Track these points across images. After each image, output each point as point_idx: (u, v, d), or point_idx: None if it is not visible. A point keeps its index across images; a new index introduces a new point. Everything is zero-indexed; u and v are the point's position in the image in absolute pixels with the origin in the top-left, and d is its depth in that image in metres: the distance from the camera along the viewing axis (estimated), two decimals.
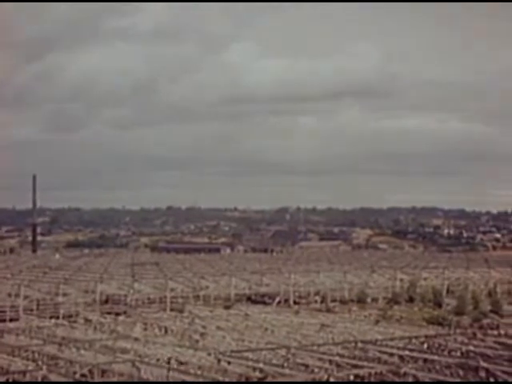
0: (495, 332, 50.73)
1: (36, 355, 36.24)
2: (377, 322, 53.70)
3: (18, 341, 41.08)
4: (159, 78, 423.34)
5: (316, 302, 76.74)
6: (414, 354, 35.75)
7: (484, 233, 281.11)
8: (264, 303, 73.89)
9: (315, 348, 37.30)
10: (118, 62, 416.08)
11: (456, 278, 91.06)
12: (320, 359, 34.60)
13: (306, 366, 33.64)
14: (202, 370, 32.37)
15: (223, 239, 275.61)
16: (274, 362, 34.37)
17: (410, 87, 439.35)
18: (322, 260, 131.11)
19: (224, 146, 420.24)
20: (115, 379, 31.68)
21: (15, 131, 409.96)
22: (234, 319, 51.77)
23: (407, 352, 36.26)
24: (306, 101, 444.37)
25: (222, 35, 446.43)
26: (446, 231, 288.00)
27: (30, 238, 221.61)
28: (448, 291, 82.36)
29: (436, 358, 34.65)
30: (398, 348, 37.34)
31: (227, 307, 65.16)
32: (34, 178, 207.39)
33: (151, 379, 31.21)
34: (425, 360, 34.54)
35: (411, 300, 76.59)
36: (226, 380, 31.40)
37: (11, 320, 56.72)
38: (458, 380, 31.27)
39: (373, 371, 31.79)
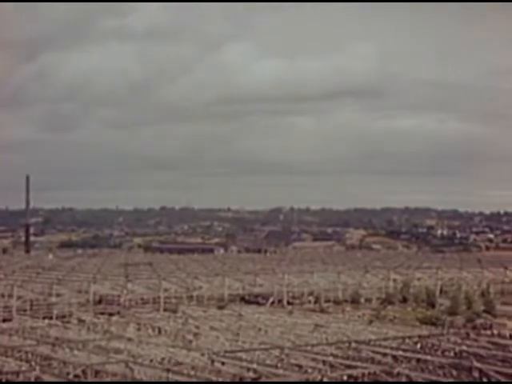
0: (488, 332, 50.89)
1: (29, 356, 36.17)
2: (370, 322, 53.74)
3: (11, 341, 40.97)
4: (155, 78, 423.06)
5: (310, 302, 76.80)
6: (408, 354, 35.80)
7: (477, 233, 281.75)
8: (258, 303, 73.90)
9: (309, 348, 37.32)
10: (113, 62, 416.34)
11: (449, 279, 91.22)
12: (314, 359, 34.62)
13: (300, 366, 33.65)
14: (195, 371, 32.34)
15: (217, 239, 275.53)
16: (268, 362, 34.37)
17: (406, 87, 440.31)
18: (315, 260, 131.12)
19: (219, 146, 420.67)
20: (109, 380, 31.64)
21: (9, 131, 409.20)
22: (227, 319, 51.74)
23: (401, 352, 36.31)
24: (302, 101, 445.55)
25: (219, 35, 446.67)
26: (439, 232, 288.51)
27: (23, 239, 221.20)
28: (441, 291, 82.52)
29: (429, 358, 34.70)
30: (392, 348, 37.38)
31: (221, 307, 65.13)
32: (28, 178, 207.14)
33: (145, 379, 31.18)
34: (418, 360, 34.58)
35: (405, 300, 76.72)
36: (220, 380, 31.39)
37: (4, 320, 56.62)
38: (452, 380, 31.32)
39: (366, 371, 31.83)
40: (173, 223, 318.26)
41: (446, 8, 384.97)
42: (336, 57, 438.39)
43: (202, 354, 35.07)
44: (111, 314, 60.54)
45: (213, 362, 33.63)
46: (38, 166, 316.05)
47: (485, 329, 55.85)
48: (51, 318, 58.60)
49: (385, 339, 40.77)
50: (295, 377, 31.10)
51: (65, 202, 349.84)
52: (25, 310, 63.48)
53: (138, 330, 46.86)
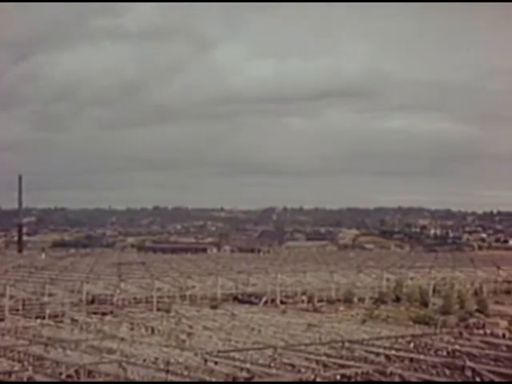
0: (481, 331, 50.99)
1: (22, 355, 36.05)
2: (363, 321, 53.81)
3: (3, 341, 40.86)
4: (148, 78, 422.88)
5: (303, 301, 76.84)
6: (401, 354, 35.83)
7: (470, 233, 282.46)
8: (251, 303, 73.91)
9: (302, 348, 37.31)
10: (106, 62, 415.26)
11: (442, 278, 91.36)
12: (307, 359, 34.61)
13: (293, 365, 33.64)
14: (188, 370, 32.30)
15: (210, 239, 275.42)
16: (261, 361, 34.35)
17: (397, 87, 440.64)
18: (308, 260, 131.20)
19: (211, 146, 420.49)
20: (101, 380, 31.57)
21: (2, 131, 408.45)
22: (220, 319, 51.72)
23: (394, 351, 36.33)
24: (294, 101, 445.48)
25: (211, 35, 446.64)
26: (432, 231, 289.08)
27: (16, 238, 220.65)
28: (434, 291, 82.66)
29: (422, 357, 34.72)
30: (385, 347, 37.40)
31: (214, 307, 65.11)
32: (20, 177, 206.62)
33: (138, 379, 31.12)
34: (411, 359, 34.60)
35: (398, 300, 76.82)
36: (213, 380, 31.35)
37: None
38: (445, 379, 31.33)
39: (359, 371, 31.83)
40: (166, 223, 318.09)
41: (437, 8, 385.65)
42: (327, 57, 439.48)
43: (195, 354, 35.03)
44: (104, 314, 60.44)
45: (206, 361, 33.59)
46: (31, 166, 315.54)
47: (478, 328, 55.96)
48: (44, 317, 58.47)
49: (378, 339, 40.80)
50: (288, 376, 31.08)
51: (57, 201, 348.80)
52: (17, 310, 63.35)
53: (131, 329, 46.81)
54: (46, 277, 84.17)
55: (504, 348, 37.97)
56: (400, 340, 40.24)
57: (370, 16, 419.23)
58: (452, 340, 40.08)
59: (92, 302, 70.58)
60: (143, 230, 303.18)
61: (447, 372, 32.34)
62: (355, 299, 78.41)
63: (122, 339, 41.00)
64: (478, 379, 31.36)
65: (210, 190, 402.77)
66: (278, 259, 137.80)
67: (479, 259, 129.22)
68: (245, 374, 31.97)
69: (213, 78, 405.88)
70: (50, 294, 69.46)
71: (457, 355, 35.70)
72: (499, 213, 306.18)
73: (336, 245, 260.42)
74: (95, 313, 61.13)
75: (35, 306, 64.72)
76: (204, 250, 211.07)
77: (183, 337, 42.62)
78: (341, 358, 35.06)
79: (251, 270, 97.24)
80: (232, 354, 35.08)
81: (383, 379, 31.10)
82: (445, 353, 37.01)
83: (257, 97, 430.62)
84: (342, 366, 32.72)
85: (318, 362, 34.03)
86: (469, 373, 31.73)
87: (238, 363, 33.35)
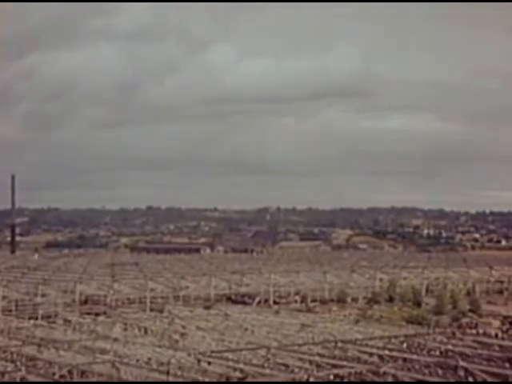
0: (474, 331, 51.14)
1: (15, 356, 36.00)
2: (357, 321, 53.86)
3: None
4: (142, 78, 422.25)
5: (296, 301, 76.92)
6: (394, 354, 35.89)
7: (463, 233, 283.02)
8: (244, 303, 73.95)
9: (295, 348, 37.34)
10: (100, 62, 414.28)
11: (435, 278, 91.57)
12: (300, 359, 34.64)
13: (286, 366, 33.67)
14: (182, 371, 32.30)
15: (203, 239, 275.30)
16: (254, 362, 34.36)
17: (392, 88, 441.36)
18: (302, 260, 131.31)
19: (205, 146, 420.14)
20: (95, 380, 31.55)
21: None
22: (213, 319, 51.70)
23: (387, 351, 36.39)
24: (288, 101, 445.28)
25: (205, 35, 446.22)
26: (425, 231, 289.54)
27: (9, 239, 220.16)
28: (427, 291, 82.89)
29: (415, 357, 34.79)
30: (378, 347, 37.46)
31: (207, 307, 65.11)
32: (13, 177, 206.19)
33: (131, 380, 31.11)
34: (404, 359, 34.66)
35: (391, 300, 76.96)
36: (206, 380, 31.36)
37: None
38: (437, 379, 31.40)
39: (353, 371, 31.89)
40: (159, 223, 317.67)
41: (432, 8, 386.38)
42: (322, 57, 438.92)
43: (189, 354, 35.02)
44: (97, 314, 60.40)
45: (199, 361, 33.59)
46: (24, 166, 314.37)
47: (470, 328, 56.12)
48: (37, 318, 58.39)
49: (371, 339, 40.85)
50: (282, 376, 31.10)
51: (51, 201, 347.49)
52: (10, 311, 63.24)
53: (125, 330, 46.76)
54: (39, 277, 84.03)
55: (496, 348, 38.08)
56: (393, 340, 40.31)
57: (366, 16, 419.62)
58: (445, 340, 40.17)
59: (85, 302, 70.52)
60: (136, 231, 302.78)
61: (440, 372, 32.42)
62: (348, 299, 78.53)
63: (116, 339, 40.95)
64: (470, 379, 31.44)
65: (203, 190, 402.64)
66: (272, 259, 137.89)
67: (472, 259, 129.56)
68: (238, 374, 31.98)
69: (207, 78, 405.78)
70: (43, 295, 69.36)
71: (450, 355, 35.78)
72: (492, 213, 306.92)
73: (329, 245, 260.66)
74: (88, 313, 61.06)
75: (28, 306, 64.63)
76: (197, 251, 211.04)
77: (176, 337, 42.60)
78: (334, 358, 35.10)
79: (245, 270, 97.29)
80: (225, 354, 35.08)
81: (376, 379, 31.16)
82: (438, 353, 37.10)
83: (252, 97, 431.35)
84: (335, 366, 32.76)
85: (311, 362, 34.06)
86: (461, 372, 31.82)
87: (231, 363, 33.37)
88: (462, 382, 31.37)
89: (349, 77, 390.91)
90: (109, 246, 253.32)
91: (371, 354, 35.95)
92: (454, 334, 43.36)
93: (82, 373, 31.99)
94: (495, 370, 31.93)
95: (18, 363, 33.35)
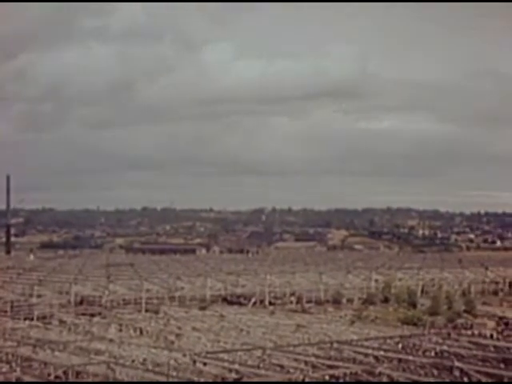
0: (469, 332, 51.22)
1: (10, 357, 35.98)
2: (352, 322, 53.89)
3: None
4: (135, 78, 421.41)
5: (291, 302, 76.93)
6: (389, 354, 35.93)
7: (458, 233, 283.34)
8: (240, 304, 73.93)
9: (291, 349, 37.36)
10: (93, 62, 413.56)
11: (430, 279, 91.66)
12: (295, 360, 34.66)
13: (282, 366, 33.69)
14: (177, 371, 32.29)
15: (199, 240, 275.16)
16: (250, 362, 34.38)
17: (386, 88, 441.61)
18: (297, 261, 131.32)
19: (200, 146, 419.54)
20: (90, 381, 31.53)
21: None
22: (209, 320, 51.71)
23: (382, 352, 36.42)
24: (282, 101, 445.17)
25: (199, 35, 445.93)
26: (420, 232, 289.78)
27: (4, 239, 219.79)
28: (422, 291, 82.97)
29: (410, 358, 34.85)
30: (373, 348, 37.50)
31: (203, 308, 65.09)
32: (8, 178, 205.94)
33: (126, 380, 31.09)
34: (399, 360, 34.72)
35: (386, 300, 77.03)
36: (202, 381, 31.36)
37: None
38: (433, 380, 31.46)
39: (348, 371, 31.92)
40: (154, 224, 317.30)
41: (426, 9, 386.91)
42: (315, 58, 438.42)
43: (184, 355, 35.02)
44: (92, 315, 60.33)
45: (195, 362, 33.60)
46: (19, 166, 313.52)
47: (465, 329, 56.21)
48: (32, 319, 58.29)
49: (366, 339, 40.91)
50: (277, 377, 31.13)
51: (46, 202, 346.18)
52: (5, 311, 63.14)
53: (120, 330, 46.75)
54: (34, 278, 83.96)
55: (492, 348, 38.15)
56: (388, 341, 40.35)
57: (358, 16, 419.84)
58: (440, 341, 40.22)
59: (80, 303, 70.46)
60: (132, 231, 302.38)
61: (435, 372, 32.49)
62: (344, 300, 78.58)
63: (111, 340, 40.93)
64: (466, 379, 31.51)
65: (199, 191, 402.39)
66: (267, 260, 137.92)
67: (467, 260, 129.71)
68: (233, 375, 32.00)
69: (201, 78, 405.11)
70: (39, 296, 69.30)
71: (445, 356, 35.84)
72: (487, 214, 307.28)
73: (325, 245, 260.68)
74: (84, 314, 61.01)
75: (23, 307, 64.52)
76: (193, 251, 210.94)
77: (172, 338, 42.60)
78: (329, 358, 35.14)
79: (240, 271, 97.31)
80: (221, 355, 35.09)
81: (372, 380, 31.20)
82: (433, 353, 37.15)
83: (247, 97, 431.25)
84: (331, 367, 32.80)
85: (306, 362, 34.09)
86: (457, 373, 31.88)
87: (226, 364, 33.38)
88: (458, 383, 31.43)
89: (343, 77, 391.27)
90: (104, 246, 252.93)
91: (366, 355, 36.00)
92: (449, 334, 43.41)
93: (78, 374, 31.99)
94: (490, 370, 32.01)
95: (13, 364, 33.31)
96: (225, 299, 77.99)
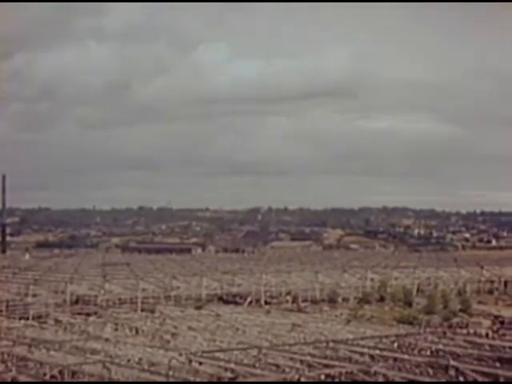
0: (464, 331, 51.30)
1: (5, 356, 35.91)
2: (348, 321, 53.95)
3: None
4: (131, 78, 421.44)
5: (287, 301, 76.97)
6: (385, 353, 35.95)
7: (454, 233, 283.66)
8: (235, 303, 73.96)
9: (286, 348, 37.37)
10: (90, 61, 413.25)
11: (426, 278, 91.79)
12: (291, 359, 34.67)
13: (278, 366, 33.70)
14: (173, 371, 32.28)
15: (195, 239, 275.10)
16: (246, 362, 34.39)
17: (382, 88, 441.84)
18: (293, 260, 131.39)
19: (196, 146, 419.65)
20: (86, 380, 31.50)
21: None
22: (205, 319, 51.71)
23: (378, 351, 36.45)
24: (278, 101, 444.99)
25: (195, 35, 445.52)
26: (416, 231, 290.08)
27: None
28: (418, 290, 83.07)
29: (406, 357, 34.86)
30: (369, 347, 37.51)
31: (198, 307, 65.09)
32: (4, 177, 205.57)
33: (122, 380, 31.07)
34: (395, 359, 34.73)
35: (382, 299, 77.10)
36: (198, 380, 31.36)
37: None
38: (428, 379, 31.48)
39: (344, 371, 31.94)
40: (150, 223, 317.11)
41: (420, 8, 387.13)
42: (312, 57, 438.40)
43: (180, 354, 35.01)
44: (88, 315, 60.29)
45: (190, 361, 33.58)
46: (14, 166, 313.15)
47: (461, 328, 56.29)
48: (28, 318, 58.23)
49: (362, 338, 40.93)
50: (273, 376, 31.13)
51: (41, 201, 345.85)
52: (1, 311, 63.06)
53: (116, 330, 46.73)
54: (29, 277, 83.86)
55: (487, 347, 38.19)
56: (384, 340, 40.40)
57: (355, 16, 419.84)
58: (436, 339, 40.26)
59: (76, 302, 70.40)
60: (128, 231, 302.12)
61: (431, 371, 32.51)
62: (339, 299, 78.62)
63: (107, 340, 40.92)
64: (461, 378, 31.54)
65: (194, 190, 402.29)
66: (263, 259, 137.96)
67: (463, 259, 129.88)
68: (229, 374, 32.01)
69: (197, 78, 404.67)
70: (34, 295, 69.21)
71: (440, 355, 35.88)
72: (483, 213, 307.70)
73: (321, 245, 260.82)
74: (79, 313, 60.96)
75: (19, 306, 64.44)
76: (189, 251, 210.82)
77: (168, 337, 42.59)
78: (325, 357, 35.14)
79: (236, 270, 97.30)
80: (217, 355, 35.09)
81: (367, 379, 31.22)
82: (428, 352, 37.20)
83: (243, 97, 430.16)
84: (327, 366, 32.81)
85: (302, 362, 34.10)
86: (452, 372, 31.91)
87: (222, 363, 33.38)
88: (453, 382, 31.46)
89: (339, 77, 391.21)
90: (100, 246, 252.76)
91: (362, 354, 36.03)
92: (444, 333, 43.47)
93: (73, 373, 31.96)
94: (486, 369, 32.04)
95: (9, 364, 33.27)
96: (220, 298, 77.99)
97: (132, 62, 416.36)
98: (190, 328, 46.73)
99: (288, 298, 78.53)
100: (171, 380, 30.42)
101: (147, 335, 43.81)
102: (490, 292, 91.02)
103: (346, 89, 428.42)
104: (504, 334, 51.82)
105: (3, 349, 37.44)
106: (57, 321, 54.37)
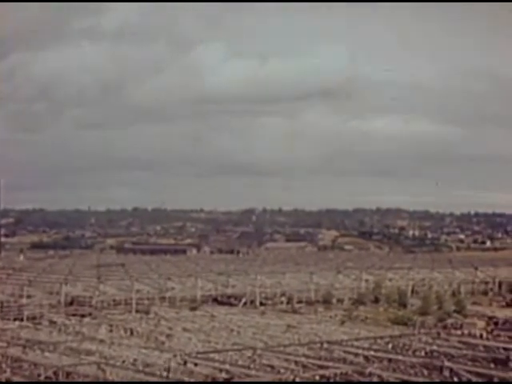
0: (459, 332, 51.39)
1: (0, 358, 35.83)
2: (342, 322, 53.98)
3: None
4: (127, 78, 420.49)
5: (282, 303, 77.00)
6: (379, 354, 36.00)
7: (448, 234, 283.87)
8: (230, 304, 73.95)
9: (281, 349, 37.39)
10: (85, 62, 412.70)
11: (421, 279, 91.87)
12: (286, 360, 34.70)
13: (272, 366, 33.73)
14: (167, 372, 32.27)
15: (189, 240, 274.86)
16: (240, 363, 34.40)
17: (376, 89, 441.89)
18: (288, 261, 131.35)
19: (191, 146, 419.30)
20: (80, 381, 31.47)
21: None
22: (200, 320, 51.69)
23: (372, 352, 36.48)
24: (273, 102, 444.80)
25: (191, 35, 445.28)
26: (410, 232, 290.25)
27: None
28: (413, 292, 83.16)
29: (401, 357, 34.93)
30: (364, 348, 37.56)
31: (193, 308, 65.06)
32: None
33: (117, 381, 31.04)
34: (390, 360, 34.79)
35: (376, 300, 77.18)
36: (192, 381, 31.36)
37: None
38: (423, 379, 31.54)
39: (338, 371, 31.98)
40: (145, 224, 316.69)
41: (416, 9, 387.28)
42: (307, 58, 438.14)
43: (175, 356, 35.00)
44: (83, 316, 60.25)
45: (185, 363, 33.57)
46: (9, 167, 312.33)
47: (455, 328, 56.41)
48: (22, 319, 58.15)
49: (357, 339, 40.96)
50: (268, 377, 31.15)
51: (36, 202, 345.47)
52: None
53: (110, 331, 46.68)
54: (24, 279, 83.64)
55: (481, 348, 38.27)
56: (379, 341, 40.44)
57: (353, 17, 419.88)
58: (430, 340, 40.32)
59: (71, 303, 70.28)
60: (122, 232, 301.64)
61: (425, 372, 32.58)
62: (334, 300, 78.67)
63: (101, 341, 40.88)
64: (455, 379, 31.61)
65: (189, 191, 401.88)
66: (258, 260, 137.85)
67: (457, 260, 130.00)
68: (224, 375, 32.01)
69: (192, 79, 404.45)
70: (29, 296, 69.10)
71: (435, 355, 35.94)
72: (477, 214, 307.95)
73: (315, 246, 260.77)
74: (74, 315, 60.91)
75: (13, 307, 64.34)
76: (183, 252, 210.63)
77: (162, 338, 42.56)
78: (320, 358, 35.18)
79: (230, 271, 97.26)
80: (211, 356, 35.10)
81: (362, 380, 31.26)
82: (423, 353, 37.27)
83: (238, 97, 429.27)
84: (321, 367, 32.85)
85: (297, 362, 34.12)
86: (447, 373, 31.98)
87: (217, 364, 33.39)
88: (448, 383, 31.53)
89: (335, 78, 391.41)
90: (94, 247, 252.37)
91: (357, 355, 36.06)
92: (439, 334, 43.51)
93: (68, 374, 31.94)
94: (480, 370, 32.12)
95: (3, 365, 33.23)
96: (215, 299, 77.97)
97: (127, 62, 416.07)
98: (184, 329, 46.71)
99: (283, 299, 78.56)
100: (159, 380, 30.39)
101: (142, 336, 43.78)
102: (485, 293, 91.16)
103: (341, 89, 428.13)
104: (498, 335, 51.96)
105: None
106: (51, 322, 54.26)
